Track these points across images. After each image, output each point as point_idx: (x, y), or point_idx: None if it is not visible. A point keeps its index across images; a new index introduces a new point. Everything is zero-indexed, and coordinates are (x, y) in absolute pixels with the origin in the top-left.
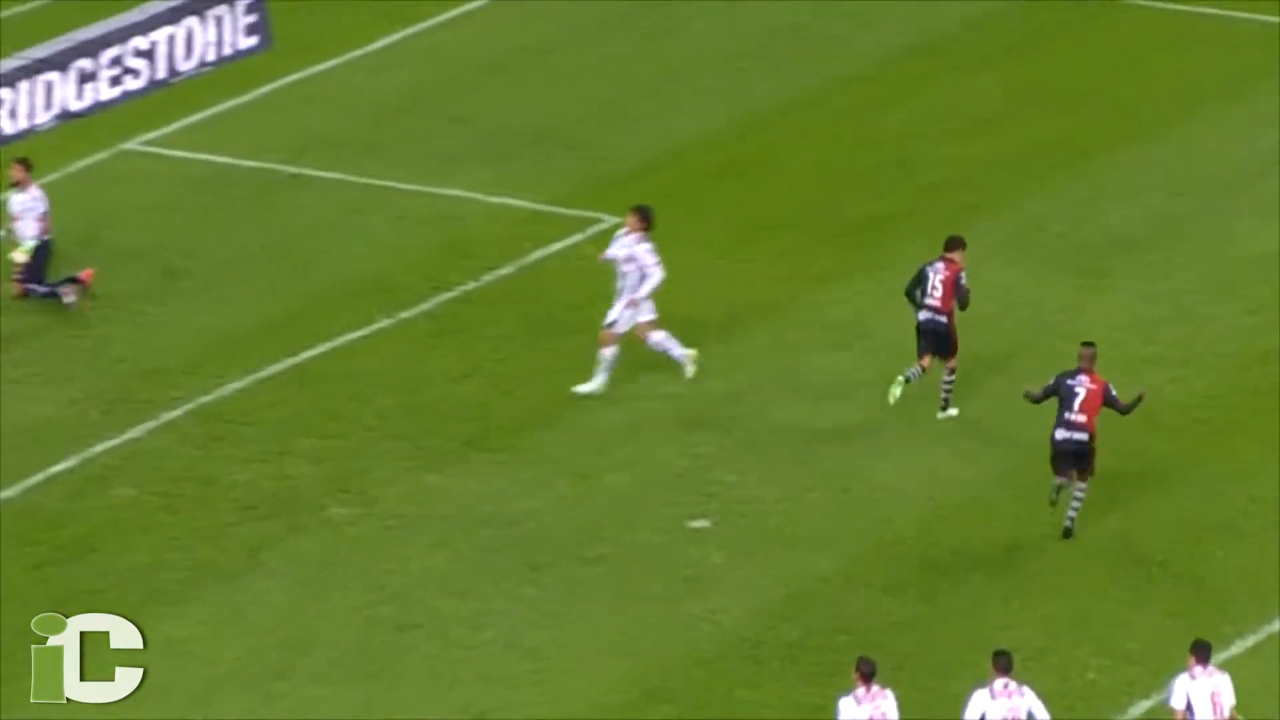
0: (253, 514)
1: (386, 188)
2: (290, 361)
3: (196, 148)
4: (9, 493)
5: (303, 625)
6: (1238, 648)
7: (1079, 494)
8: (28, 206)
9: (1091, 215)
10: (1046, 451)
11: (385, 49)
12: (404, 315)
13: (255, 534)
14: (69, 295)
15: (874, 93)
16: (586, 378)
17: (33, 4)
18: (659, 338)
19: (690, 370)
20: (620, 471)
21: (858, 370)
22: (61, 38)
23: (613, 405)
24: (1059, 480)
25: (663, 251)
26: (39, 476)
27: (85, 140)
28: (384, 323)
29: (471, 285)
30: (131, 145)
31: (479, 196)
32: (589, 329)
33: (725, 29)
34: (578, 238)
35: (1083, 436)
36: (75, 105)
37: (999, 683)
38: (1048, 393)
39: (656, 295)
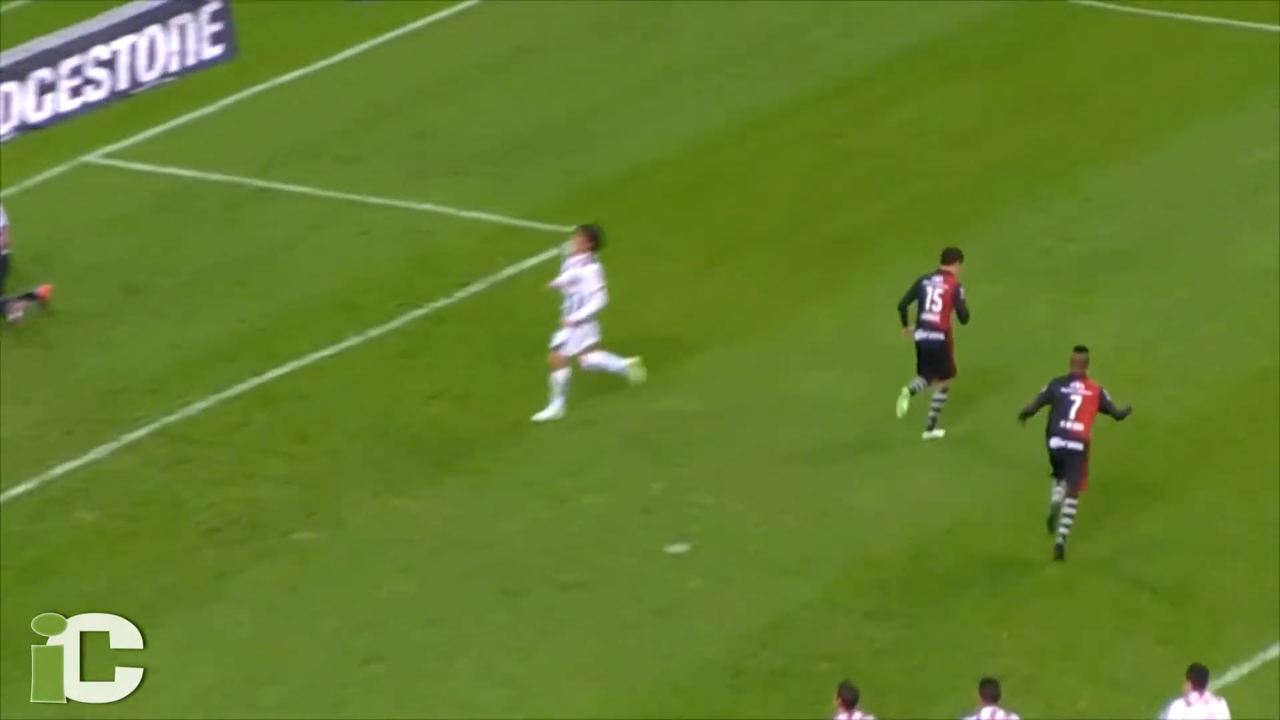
0: (217, 538)
1: (355, 202)
2: (256, 381)
3: (160, 161)
4: None
5: (269, 654)
6: (1232, 675)
7: (1069, 510)
8: None
9: (1081, 229)
10: (1034, 474)
11: (353, 59)
12: (373, 333)
13: (220, 559)
14: (15, 311)
15: (856, 102)
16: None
17: (14, 4)
18: (594, 360)
19: (636, 376)
20: (596, 494)
21: (839, 390)
22: (19, 47)
23: (588, 426)
24: (1057, 489)
25: (640, 267)
26: None
27: (44, 153)
28: (353, 341)
29: (443, 302)
30: (92, 158)
31: (450, 210)
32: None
33: (702, 37)
34: (552, 253)
35: (1077, 445)
36: (34, 117)
37: (986, 711)
38: (1041, 401)
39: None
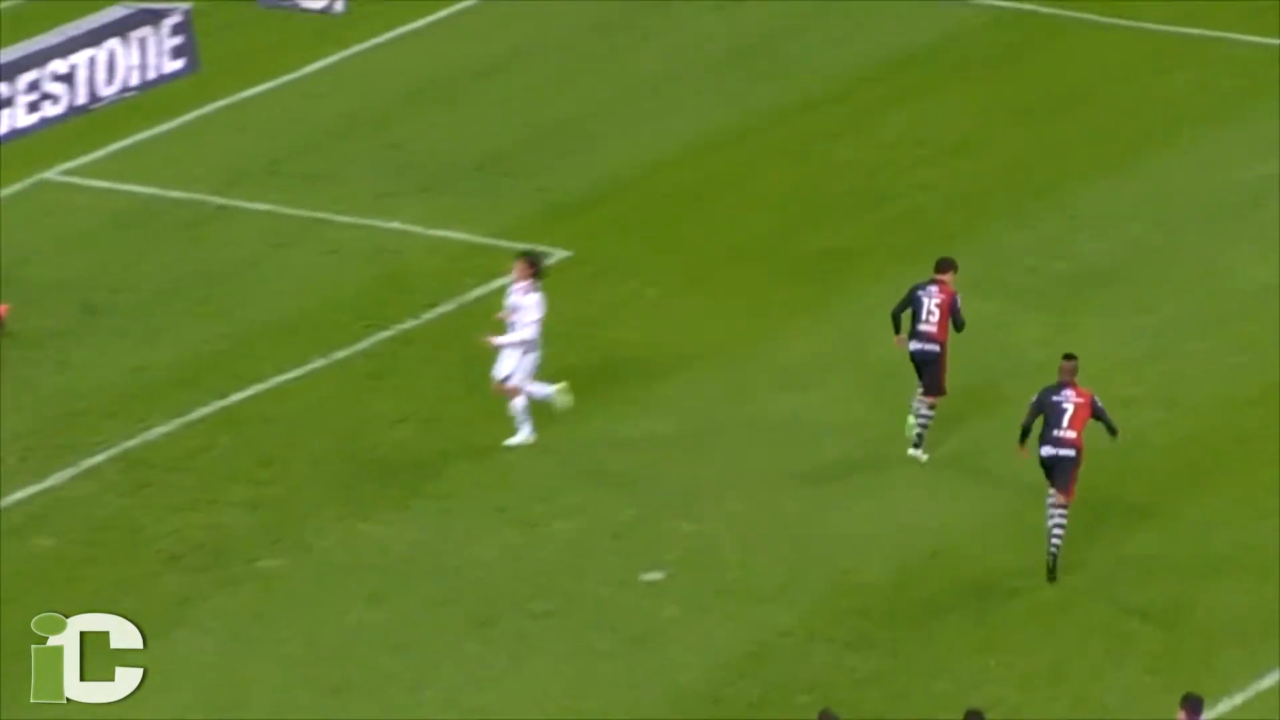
0: (179, 565)
1: (320, 219)
2: (219, 404)
3: (119, 178)
4: None
5: (232, 683)
6: (1225, 706)
7: (1060, 522)
8: None
9: (1068, 246)
10: (1021, 495)
11: (319, 72)
12: (339, 355)
13: (182, 586)
14: None
15: (839, 115)
16: (538, 421)
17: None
18: (536, 391)
19: (563, 402)
20: (568, 519)
21: (821, 412)
22: None
23: (560, 449)
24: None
25: (615, 285)
26: None
27: (1, 170)
28: (318, 363)
29: (410, 323)
30: (51, 175)
31: (418, 229)
32: (537, 370)
33: (678, 49)
34: None
35: (1069, 452)
36: None
37: None
38: (1034, 413)
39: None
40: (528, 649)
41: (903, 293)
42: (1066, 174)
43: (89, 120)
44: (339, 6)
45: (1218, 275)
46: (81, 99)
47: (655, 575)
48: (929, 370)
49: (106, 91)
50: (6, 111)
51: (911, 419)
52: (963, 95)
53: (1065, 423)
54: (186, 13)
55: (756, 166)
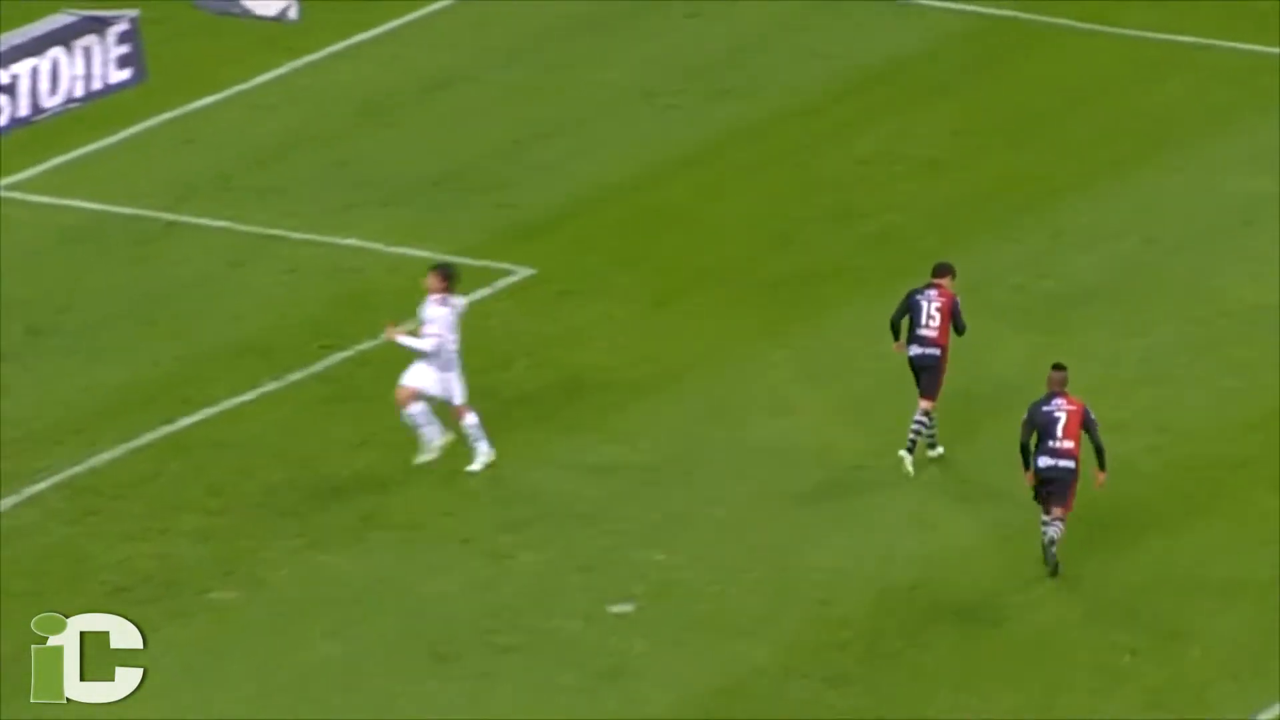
0: (127, 597)
1: (274, 236)
2: (169, 429)
3: (64, 193)
4: None
5: None
6: None
7: (1059, 527)
8: None
9: (1054, 264)
10: (1005, 524)
11: (272, 82)
12: (294, 377)
13: (130, 619)
14: None
15: (807, 131)
16: (497, 448)
17: None
18: (416, 410)
19: (480, 464)
20: (535, 550)
21: (796, 438)
22: None
23: (525, 476)
24: (1047, 518)
25: (581, 307)
26: None
27: None
28: (272, 386)
29: (369, 344)
30: None
31: (377, 246)
32: (499, 394)
33: (647, 62)
34: (485, 292)
35: (1069, 464)
36: None
37: None
38: (1029, 429)
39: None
40: (491, 686)
41: (878, 307)
42: (1052, 189)
43: (31, 133)
44: (292, 14)
45: (1210, 295)
46: (24, 110)
47: (624, 608)
48: (928, 375)
49: (50, 103)
50: None
51: (907, 460)
52: (940, 108)
53: (1060, 432)
54: (133, 20)
55: (726, 183)
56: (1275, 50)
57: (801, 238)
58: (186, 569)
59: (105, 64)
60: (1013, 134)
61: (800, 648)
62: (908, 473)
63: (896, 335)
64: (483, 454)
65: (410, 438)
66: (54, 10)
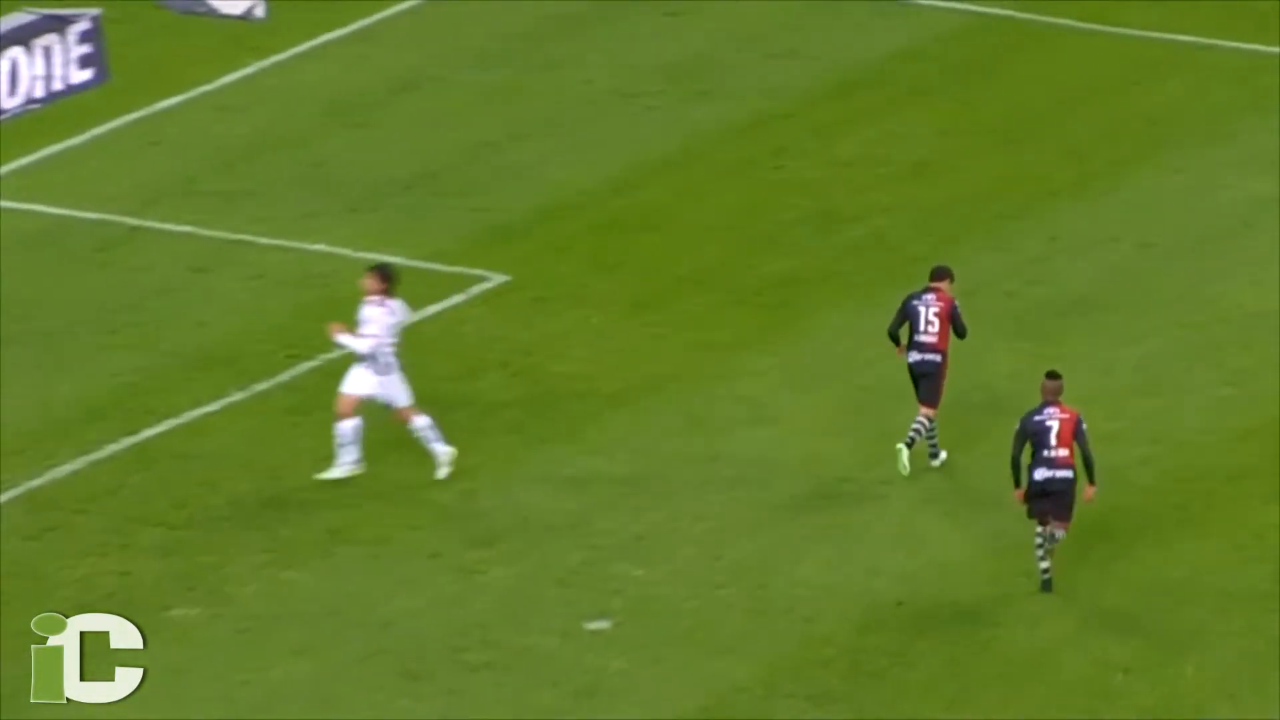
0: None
1: (241, 242)
2: (131, 440)
3: (24, 197)
4: None
5: None
6: None
7: (1053, 538)
8: None
9: (1046, 271)
10: (994, 539)
11: (237, 84)
12: (260, 387)
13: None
14: None
15: (789, 133)
16: (470, 460)
17: None
18: (349, 427)
19: (444, 469)
20: (508, 565)
21: (779, 449)
22: None
23: (498, 489)
24: (1042, 532)
25: (556, 314)
26: None
27: None
28: (237, 396)
29: (337, 354)
30: None
31: (346, 251)
32: (472, 403)
33: (624, 63)
34: (458, 299)
35: (1066, 473)
36: None
37: None
38: (1020, 441)
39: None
40: (463, 705)
41: (863, 313)
42: (1045, 192)
43: None
44: (259, 12)
45: (1207, 301)
46: None
47: (601, 624)
48: (928, 382)
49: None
50: None
51: (904, 454)
52: (927, 109)
53: (1054, 441)
54: (95, 19)
55: (706, 187)
56: (1276, 50)
57: (784, 242)
58: (148, 585)
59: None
60: (1004, 136)
61: (783, 665)
62: (903, 466)
63: (897, 343)
64: (443, 454)
65: (386, 448)
66: (13, 9)
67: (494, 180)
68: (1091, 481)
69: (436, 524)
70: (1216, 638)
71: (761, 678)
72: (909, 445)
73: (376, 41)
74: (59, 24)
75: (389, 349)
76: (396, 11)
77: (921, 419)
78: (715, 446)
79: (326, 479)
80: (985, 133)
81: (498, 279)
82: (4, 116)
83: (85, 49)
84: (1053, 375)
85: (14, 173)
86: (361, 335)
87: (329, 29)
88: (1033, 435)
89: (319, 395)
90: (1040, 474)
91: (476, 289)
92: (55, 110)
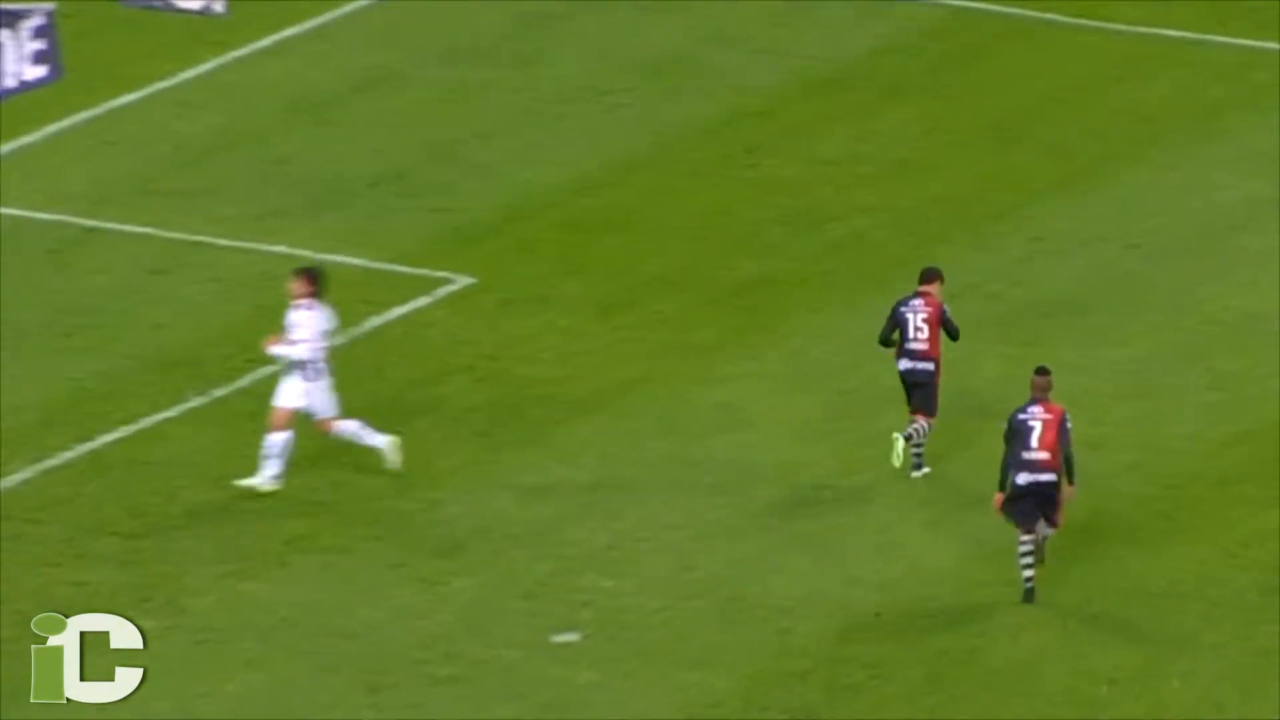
0: None
1: (198, 243)
2: (86, 447)
3: None
4: None
5: None
6: None
7: (1044, 537)
8: None
9: (1030, 272)
10: (975, 548)
11: (195, 80)
12: (218, 393)
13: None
14: None
15: (766, 131)
16: (434, 466)
17: None
18: (280, 440)
19: (394, 459)
20: (473, 576)
21: (754, 456)
22: None
23: (462, 496)
24: (1025, 539)
25: (524, 317)
26: None
27: None
28: (195, 402)
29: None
30: None
31: (306, 253)
32: (436, 409)
33: (595, 59)
34: (423, 301)
35: (1049, 477)
36: None
37: None
38: (1008, 440)
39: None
40: (426, 719)
41: (842, 316)
42: (1030, 192)
43: None
44: (218, 7)
45: (1195, 304)
46: None
47: (569, 637)
48: (922, 391)
49: None
50: None
51: (900, 444)
52: (909, 107)
53: (1035, 443)
54: (49, 14)
55: (679, 186)
56: (1269, 45)
57: (760, 243)
58: (104, 596)
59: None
60: (988, 133)
61: (758, 679)
62: (897, 456)
63: (891, 347)
64: (386, 444)
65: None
66: None
67: (460, 179)
68: (1070, 481)
69: (398, 533)
70: (1203, 648)
71: (736, 691)
72: (907, 439)
73: (340, 37)
74: (11, 19)
75: (321, 355)
76: (360, 6)
77: (920, 423)
78: (688, 452)
79: (244, 485)
80: (968, 130)
81: (463, 281)
82: None
83: (39, 45)
84: (1042, 371)
85: None
86: (294, 342)
87: (291, 23)
88: (1015, 433)
89: None
90: (1022, 477)
91: (441, 291)
92: (8, 108)
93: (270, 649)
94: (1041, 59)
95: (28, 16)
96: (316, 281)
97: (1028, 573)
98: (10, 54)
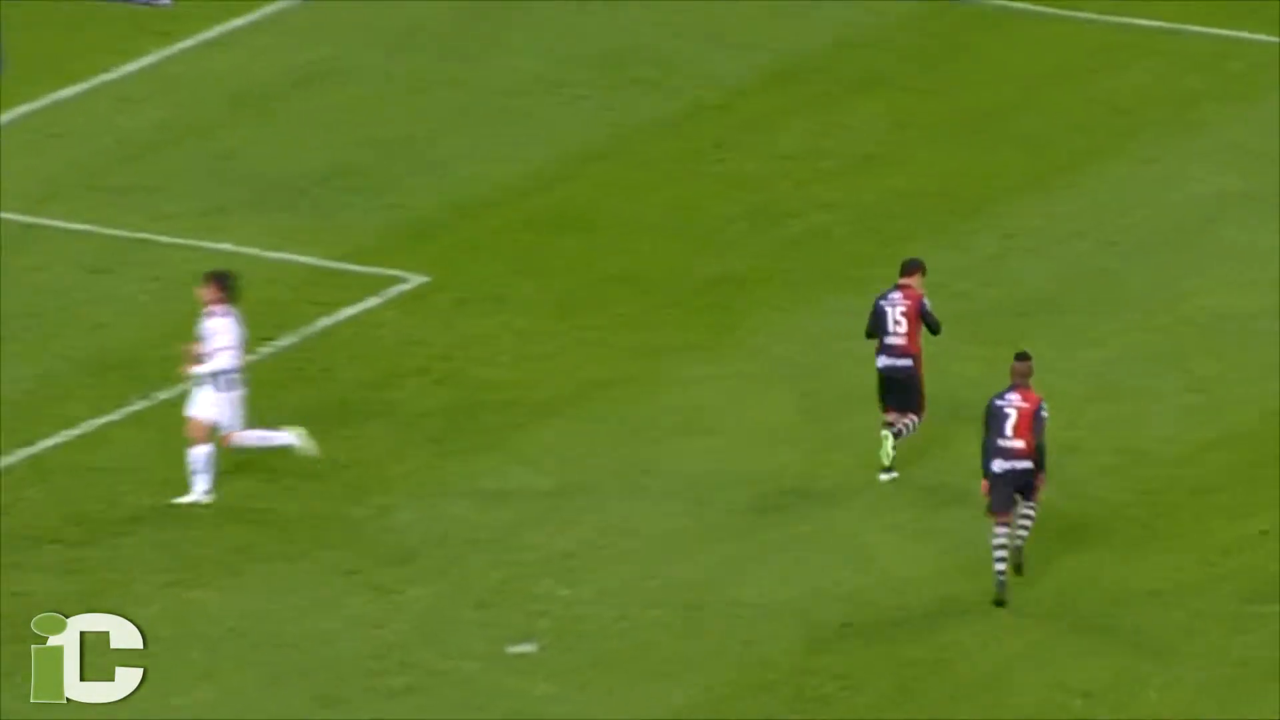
0: None
1: (141, 240)
2: (25, 453)
3: None
4: None
5: None
6: None
7: (1027, 517)
8: None
9: (1002, 270)
10: (946, 554)
11: (139, 73)
12: (162, 396)
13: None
14: None
15: (735, 122)
16: (387, 472)
17: None
18: (203, 453)
19: (307, 448)
20: (427, 584)
21: (716, 461)
22: None
23: (416, 503)
24: (999, 531)
25: (479, 317)
26: None
27: None
28: (138, 405)
29: (246, 359)
30: None
31: (253, 251)
32: (389, 413)
33: (550, 50)
34: (374, 301)
35: (1025, 464)
36: None
37: None
38: (987, 423)
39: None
40: None
41: (806, 314)
42: (1001, 188)
43: None
44: None
45: (1171, 302)
46: None
47: (526, 647)
48: (902, 390)
49: None
50: None
51: (889, 441)
52: (876, 100)
53: (1009, 431)
54: None
55: (638, 182)
56: (1245, 35)
57: (722, 241)
58: (46, 606)
59: None
60: (957, 127)
61: (722, 691)
62: (886, 454)
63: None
64: (294, 438)
65: (297, 460)
66: None
67: (411, 175)
68: (1040, 468)
69: (350, 540)
70: (1182, 659)
71: (698, 704)
72: (896, 435)
73: (287, 29)
74: None
75: (237, 365)
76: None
77: (909, 420)
78: (649, 458)
79: (180, 503)
80: (937, 124)
81: (416, 280)
82: None
83: None
84: (1022, 356)
85: None
86: (214, 353)
87: (237, 15)
88: (991, 419)
89: None
90: (998, 465)
91: (393, 290)
92: None
93: (218, 660)
94: (1013, 50)
95: None
96: (228, 286)
97: (1000, 565)
98: None
